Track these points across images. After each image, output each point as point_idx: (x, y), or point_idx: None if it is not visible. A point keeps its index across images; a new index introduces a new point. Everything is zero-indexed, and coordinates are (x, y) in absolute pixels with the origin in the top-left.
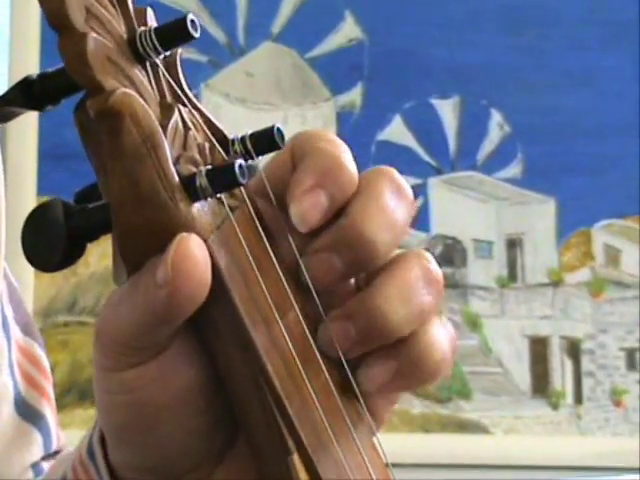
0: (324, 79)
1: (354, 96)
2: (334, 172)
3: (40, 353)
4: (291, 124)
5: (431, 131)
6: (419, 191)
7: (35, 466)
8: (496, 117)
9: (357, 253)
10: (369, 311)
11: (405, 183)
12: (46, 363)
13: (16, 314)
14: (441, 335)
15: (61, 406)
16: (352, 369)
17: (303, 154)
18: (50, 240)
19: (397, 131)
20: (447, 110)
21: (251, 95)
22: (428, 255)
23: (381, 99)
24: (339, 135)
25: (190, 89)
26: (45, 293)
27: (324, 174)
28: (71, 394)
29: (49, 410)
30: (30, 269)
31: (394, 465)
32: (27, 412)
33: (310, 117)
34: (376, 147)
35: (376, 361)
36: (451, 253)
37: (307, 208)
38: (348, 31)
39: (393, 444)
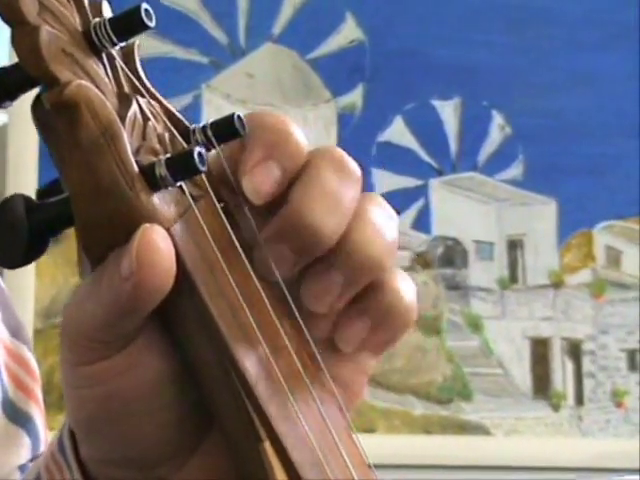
0: (325, 80)
1: (355, 97)
2: (282, 143)
3: (29, 356)
4: None
5: (432, 132)
6: (420, 192)
7: (23, 468)
8: (497, 118)
9: (303, 240)
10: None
11: (350, 160)
12: (35, 366)
13: (4, 316)
14: (405, 284)
15: (61, 407)
16: (328, 336)
17: (250, 131)
18: (12, 236)
19: (398, 132)
20: (448, 111)
21: (252, 96)
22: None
23: (382, 100)
24: (340, 136)
25: (148, 79)
26: (46, 294)
27: (273, 146)
28: None
29: (37, 412)
30: (31, 270)
31: (395, 466)
32: (15, 414)
33: (311, 118)
34: (377, 148)
35: (350, 320)
36: (452, 254)
37: (259, 180)
38: (349, 32)
39: (394, 445)
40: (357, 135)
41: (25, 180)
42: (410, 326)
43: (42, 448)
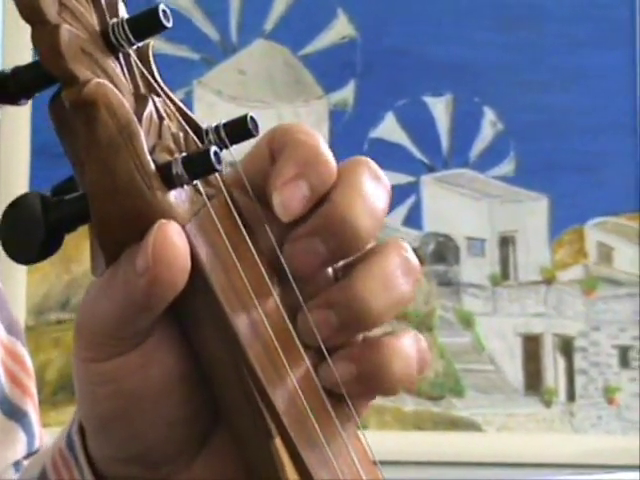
0: (317, 77)
1: (347, 94)
2: (314, 162)
3: (23, 351)
4: (284, 122)
5: (424, 129)
6: (412, 189)
7: (17, 464)
8: (489, 115)
9: (340, 238)
10: (351, 300)
11: (381, 172)
12: (29, 361)
13: (0, 313)
14: (407, 348)
15: (53, 404)
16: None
17: (282, 146)
18: (28, 233)
19: (390, 129)
20: (440, 108)
21: (244, 93)
22: (406, 244)
23: (374, 97)
24: (332, 132)
25: (163, 79)
26: (38, 290)
27: (305, 164)
28: (64, 392)
29: (32, 408)
30: (23, 267)
31: (387, 463)
32: (11, 410)
33: (303, 115)
34: (369, 145)
35: (336, 361)
36: (444, 251)
37: (289, 198)
38: (341, 29)
39: (386, 442)
40: (349, 131)
41: (17, 178)
42: (396, 392)
43: (37, 444)
